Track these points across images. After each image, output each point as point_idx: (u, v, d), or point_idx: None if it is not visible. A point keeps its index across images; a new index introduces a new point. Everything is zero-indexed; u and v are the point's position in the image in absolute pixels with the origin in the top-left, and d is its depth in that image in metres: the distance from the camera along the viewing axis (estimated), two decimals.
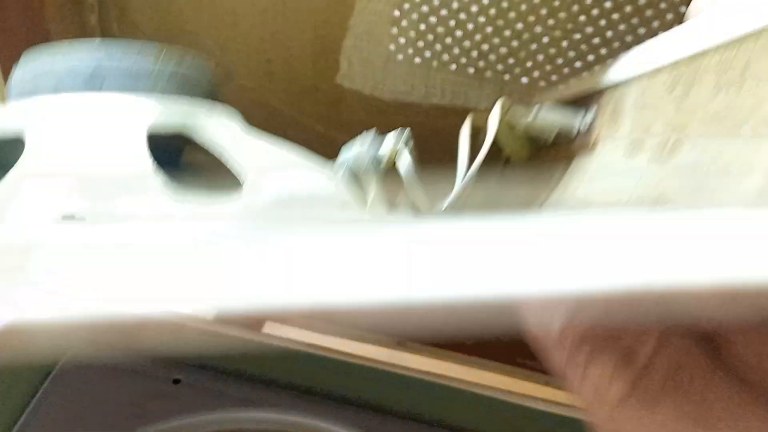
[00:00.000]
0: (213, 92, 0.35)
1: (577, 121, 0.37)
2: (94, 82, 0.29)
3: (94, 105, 0.29)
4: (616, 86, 0.35)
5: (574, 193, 0.36)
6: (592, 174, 0.35)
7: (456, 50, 0.57)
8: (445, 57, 0.58)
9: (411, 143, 0.36)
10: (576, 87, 0.41)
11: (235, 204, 0.28)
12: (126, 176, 0.27)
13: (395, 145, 0.35)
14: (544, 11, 0.54)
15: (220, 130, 0.31)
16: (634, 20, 0.53)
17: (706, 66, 0.27)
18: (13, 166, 0.28)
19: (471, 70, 0.58)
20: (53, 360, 0.47)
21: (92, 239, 0.19)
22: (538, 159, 0.43)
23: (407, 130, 0.36)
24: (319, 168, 0.33)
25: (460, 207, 0.37)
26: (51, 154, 0.27)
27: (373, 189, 0.34)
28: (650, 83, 0.31)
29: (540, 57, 0.57)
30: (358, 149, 0.35)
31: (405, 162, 0.36)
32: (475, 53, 0.57)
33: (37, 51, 0.33)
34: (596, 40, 0.55)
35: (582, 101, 0.39)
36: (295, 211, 0.30)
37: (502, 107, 0.38)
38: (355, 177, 0.34)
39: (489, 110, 0.40)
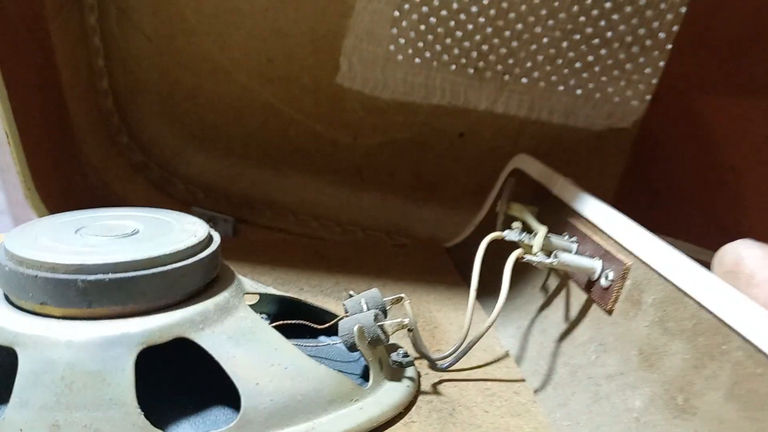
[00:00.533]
0: (211, 271, 0.33)
1: (596, 271, 0.36)
2: (82, 300, 0.28)
3: (82, 334, 0.28)
4: (643, 264, 0.33)
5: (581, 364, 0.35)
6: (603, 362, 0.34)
7: (456, 51, 0.57)
8: (445, 57, 0.58)
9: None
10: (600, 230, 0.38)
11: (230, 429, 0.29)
12: (112, 415, 0.28)
13: (401, 324, 0.35)
14: (543, 12, 0.54)
15: (214, 339, 0.30)
16: (634, 21, 0.53)
17: (727, 351, 0.26)
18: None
19: (471, 71, 0.58)
20: None
21: None
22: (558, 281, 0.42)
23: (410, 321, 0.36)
24: (313, 361, 0.32)
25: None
26: (41, 381, 0.28)
27: (374, 363, 0.34)
28: (674, 300, 0.30)
29: (540, 57, 0.57)
30: (362, 321, 0.34)
31: (416, 337, 0.37)
32: (474, 54, 0.57)
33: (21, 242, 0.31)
34: (596, 41, 0.55)
35: (601, 249, 0.37)
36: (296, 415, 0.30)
37: (517, 259, 0.38)
38: (354, 348, 0.34)
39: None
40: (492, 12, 0.55)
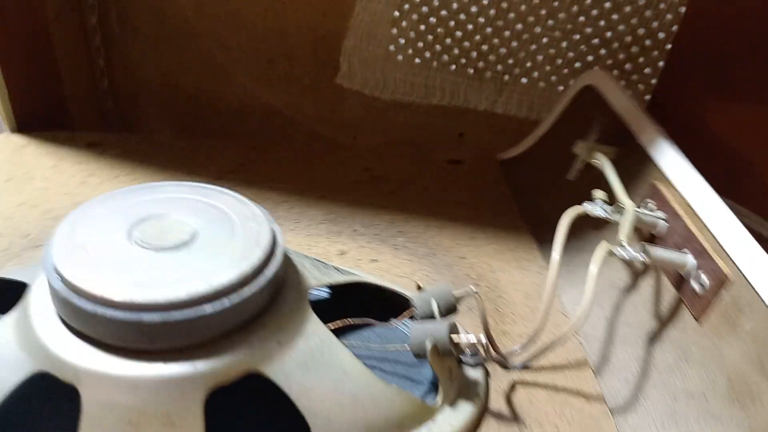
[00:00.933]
0: (279, 286, 0.30)
1: (688, 268, 0.31)
2: (144, 337, 0.26)
3: (147, 372, 0.26)
4: (746, 282, 0.28)
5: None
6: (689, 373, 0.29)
7: (456, 51, 0.58)
8: (445, 57, 0.58)
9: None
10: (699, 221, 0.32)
11: None
12: None
13: (477, 341, 0.32)
14: (543, 12, 0.54)
15: (285, 368, 0.27)
16: (634, 21, 0.54)
17: None
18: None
19: (470, 71, 0.58)
20: None
21: None
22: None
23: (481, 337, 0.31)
24: (383, 383, 0.29)
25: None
26: (106, 425, 0.25)
27: (445, 379, 0.31)
28: None
29: (539, 57, 0.57)
30: (435, 335, 0.30)
31: (491, 342, 0.33)
32: (474, 54, 0.57)
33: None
34: (596, 41, 0.55)
35: (694, 243, 0.31)
36: None
37: (606, 252, 0.32)
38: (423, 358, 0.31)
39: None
40: (492, 12, 0.55)
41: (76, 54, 0.60)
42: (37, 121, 0.55)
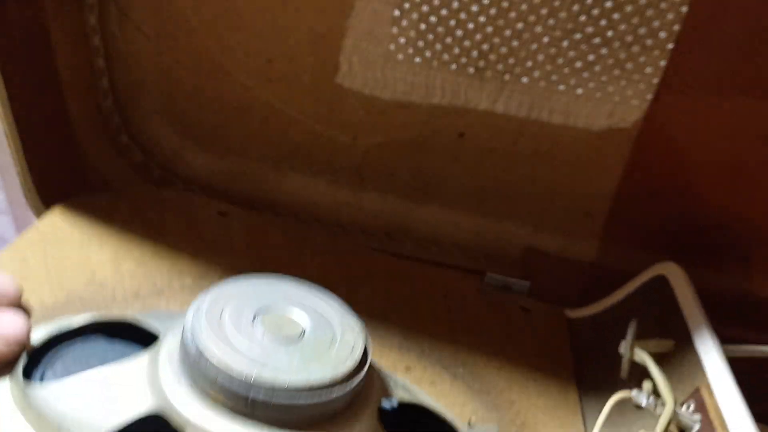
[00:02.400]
0: (356, 395, 0.36)
1: None
2: (247, 405, 0.32)
3: None
4: None
5: None
6: None
7: (456, 50, 0.57)
8: (446, 57, 0.58)
9: None
10: None
11: None
12: None
13: None
14: (544, 11, 0.54)
15: None
16: (635, 20, 0.53)
17: None
18: None
19: (471, 70, 0.58)
20: None
21: None
22: None
23: None
24: None
25: None
26: None
27: None
28: None
29: (540, 57, 0.56)
30: None
31: None
32: (475, 53, 0.57)
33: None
34: (597, 40, 0.55)
35: None
36: None
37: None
38: None
39: None
40: (493, 11, 0.55)
41: (76, 53, 0.60)
42: (36, 122, 0.55)
